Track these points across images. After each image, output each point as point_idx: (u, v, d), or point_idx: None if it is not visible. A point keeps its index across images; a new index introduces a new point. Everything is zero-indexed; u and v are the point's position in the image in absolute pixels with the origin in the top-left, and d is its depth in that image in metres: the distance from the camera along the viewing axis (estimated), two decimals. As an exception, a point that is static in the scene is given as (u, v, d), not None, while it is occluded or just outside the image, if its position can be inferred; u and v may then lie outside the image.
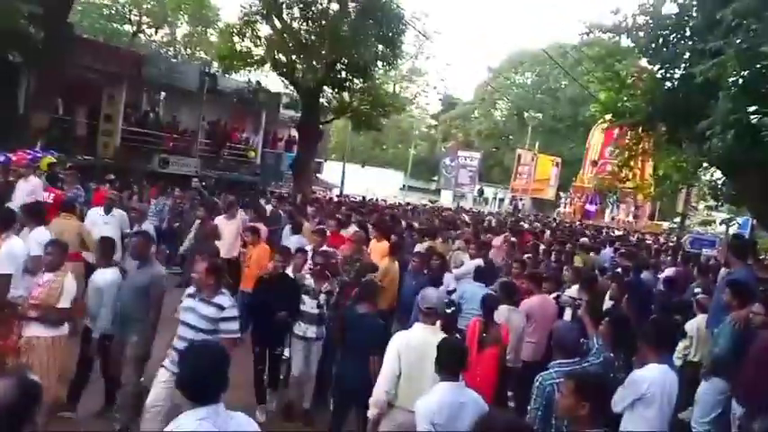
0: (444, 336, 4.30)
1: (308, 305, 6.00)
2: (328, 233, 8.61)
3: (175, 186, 14.36)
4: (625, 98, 8.86)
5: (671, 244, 19.74)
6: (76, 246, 6.73)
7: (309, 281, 6.16)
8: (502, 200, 46.89)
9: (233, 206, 9.75)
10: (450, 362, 3.76)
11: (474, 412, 3.31)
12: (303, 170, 21.21)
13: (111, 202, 8.57)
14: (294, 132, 23.73)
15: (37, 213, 6.10)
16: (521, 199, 44.18)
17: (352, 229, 9.63)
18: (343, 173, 31.80)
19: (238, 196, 13.78)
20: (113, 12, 36.38)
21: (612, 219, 37.28)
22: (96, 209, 8.54)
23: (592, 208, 39.80)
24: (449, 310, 5.49)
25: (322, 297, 6.05)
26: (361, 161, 48.06)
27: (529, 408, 3.88)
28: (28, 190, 8.52)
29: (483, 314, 5.48)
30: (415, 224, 12.90)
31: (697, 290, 7.56)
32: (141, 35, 36.86)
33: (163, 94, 21.28)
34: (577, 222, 30.47)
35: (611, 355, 4.59)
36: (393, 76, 25.29)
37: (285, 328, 6.03)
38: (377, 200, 24.06)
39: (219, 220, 9.15)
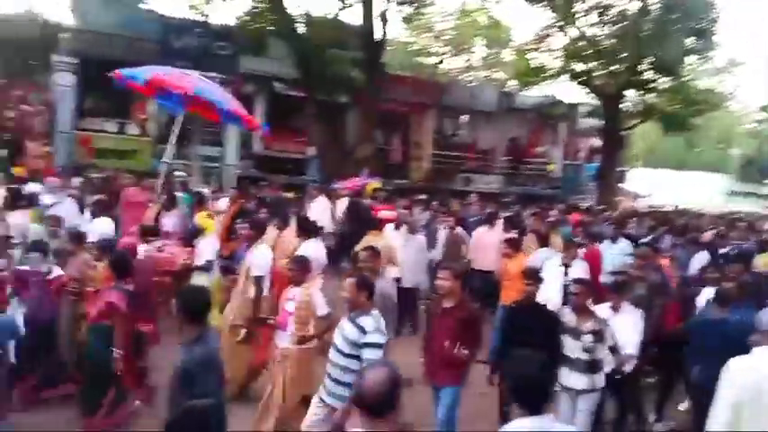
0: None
1: (569, 348, 4.97)
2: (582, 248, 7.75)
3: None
4: None
5: None
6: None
7: (570, 317, 5.05)
8: None
9: (493, 216, 9.42)
10: None
11: None
12: (606, 180, 20.28)
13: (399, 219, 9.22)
14: (595, 142, 22.88)
15: (312, 229, 7.28)
16: None
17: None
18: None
19: (537, 210, 13.77)
20: (418, 47, 39.91)
21: None
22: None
23: None
24: None
25: (586, 338, 4.92)
26: (672, 165, 43.85)
27: None
28: (319, 209, 10.77)
29: None
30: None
31: None
32: (442, 64, 39.67)
33: (464, 117, 22.50)
34: None
35: None
36: (707, 70, 22.61)
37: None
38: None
39: (478, 231, 9.15)
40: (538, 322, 5.06)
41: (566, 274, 6.66)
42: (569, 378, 4.97)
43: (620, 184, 24.25)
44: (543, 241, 8.02)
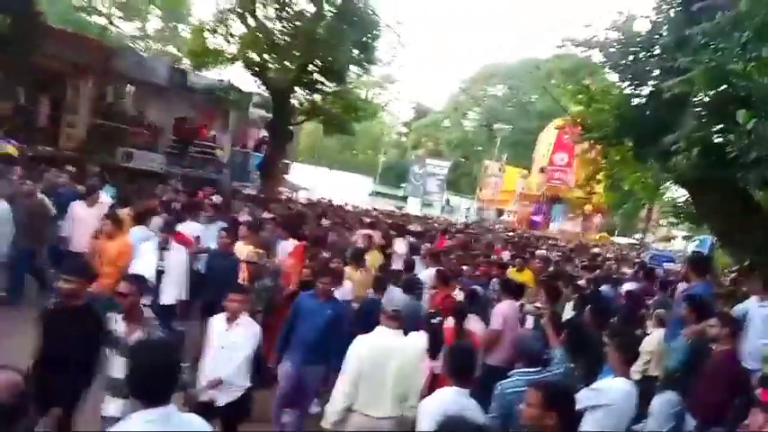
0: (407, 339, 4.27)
1: (114, 366, 3.88)
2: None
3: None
4: (594, 112, 8.94)
5: (634, 259, 20.14)
6: None
7: (119, 325, 3.99)
8: (468, 209, 47.30)
9: (93, 190, 8.58)
10: (463, 366, 3.69)
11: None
12: (271, 171, 21.02)
13: None
14: (264, 132, 23.51)
15: None
16: (487, 210, 44.63)
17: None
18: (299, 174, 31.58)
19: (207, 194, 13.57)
20: (84, 3, 35.60)
21: (559, 230, 37.57)
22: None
23: (538, 218, 40.26)
24: (435, 320, 5.67)
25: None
26: (330, 164, 47.96)
27: (488, 415, 3.84)
28: None
29: (455, 320, 5.69)
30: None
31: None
32: (111, 28, 36.13)
33: (130, 87, 20.84)
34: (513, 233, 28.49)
35: (572, 365, 4.61)
36: (366, 82, 25.23)
37: (73, 396, 3.95)
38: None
39: (77, 206, 8.14)
40: (77, 327, 3.92)
41: (161, 258, 6.46)
42: (108, 406, 3.92)
43: (284, 176, 25.45)
44: (140, 220, 7.50)
